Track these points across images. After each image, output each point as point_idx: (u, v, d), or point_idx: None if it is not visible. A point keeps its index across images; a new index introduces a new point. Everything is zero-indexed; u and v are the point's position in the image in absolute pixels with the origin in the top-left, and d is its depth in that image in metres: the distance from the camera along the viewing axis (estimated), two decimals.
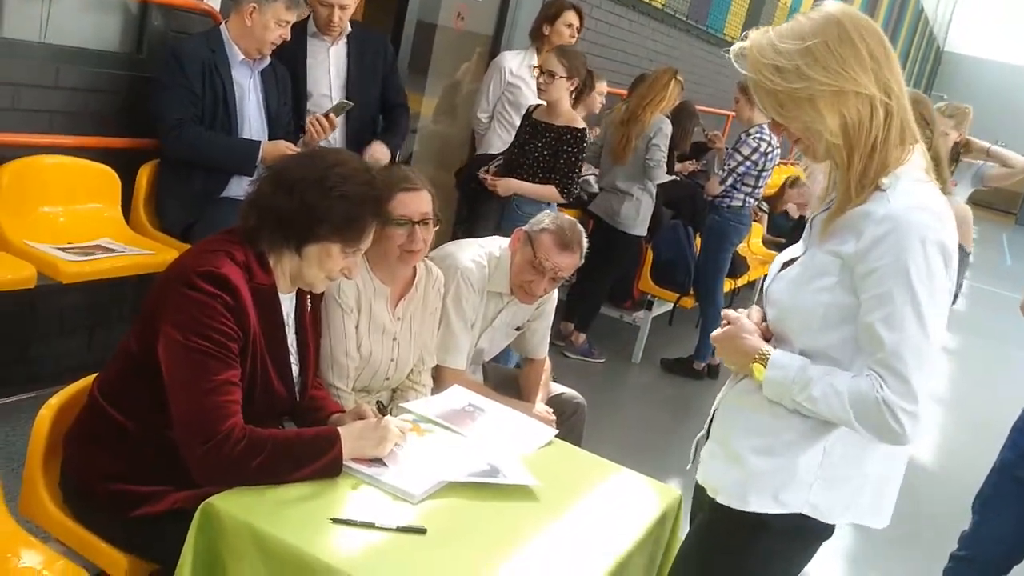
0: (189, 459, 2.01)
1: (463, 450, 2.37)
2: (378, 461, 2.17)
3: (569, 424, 3.32)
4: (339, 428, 2.15)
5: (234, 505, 1.94)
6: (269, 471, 2.02)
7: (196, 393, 2.01)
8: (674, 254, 6.20)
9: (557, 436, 2.70)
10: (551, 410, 3.22)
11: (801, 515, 1.83)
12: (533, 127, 4.69)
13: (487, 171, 4.75)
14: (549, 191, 4.64)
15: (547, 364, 3.45)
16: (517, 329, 3.34)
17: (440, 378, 3.04)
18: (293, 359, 2.31)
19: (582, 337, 5.91)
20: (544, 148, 4.62)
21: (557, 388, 3.44)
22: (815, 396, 1.74)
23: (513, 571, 1.93)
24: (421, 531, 1.97)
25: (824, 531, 1.89)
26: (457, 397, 2.76)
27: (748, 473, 1.85)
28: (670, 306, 6.25)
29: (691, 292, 6.13)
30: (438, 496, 2.13)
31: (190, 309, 2.03)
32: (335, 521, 1.94)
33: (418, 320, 2.89)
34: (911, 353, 1.68)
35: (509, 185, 4.64)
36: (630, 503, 2.36)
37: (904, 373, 1.68)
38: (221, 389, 2.02)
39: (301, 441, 2.10)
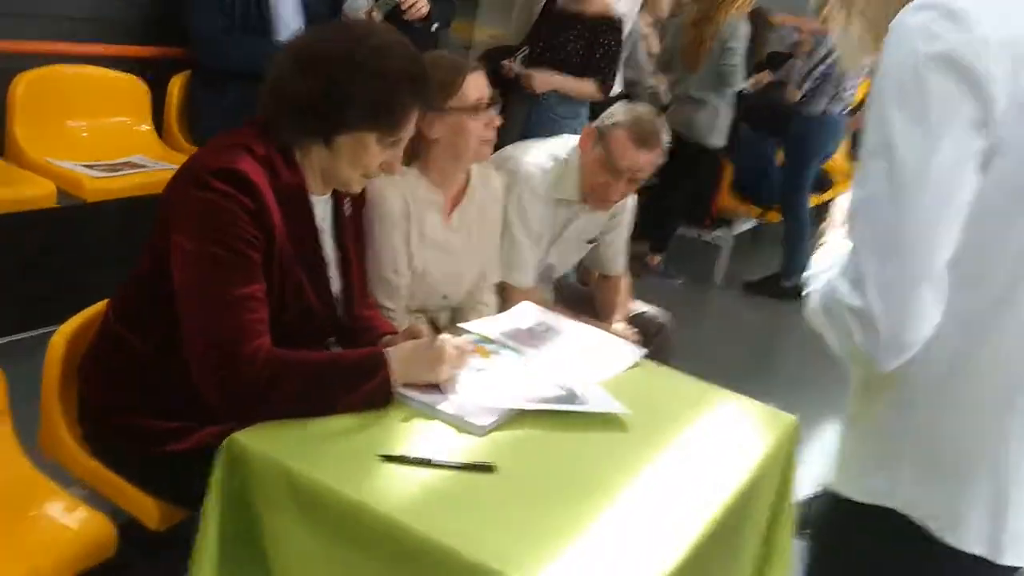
0: (206, 390, 1.69)
1: (535, 374, 2.02)
2: (434, 388, 1.83)
3: (654, 346, 2.95)
4: (387, 350, 1.81)
5: (264, 441, 1.61)
6: (303, 401, 1.69)
7: (212, 309, 1.68)
8: (756, 167, 5.74)
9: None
10: (634, 329, 2.86)
11: None
12: (559, 18, 4.20)
13: (512, 61, 4.13)
14: (589, 88, 4.15)
15: (626, 281, 3.07)
16: (590, 242, 2.95)
17: (506, 297, 2.70)
18: (333, 272, 1.97)
19: (658, 259, 5.52)
20: (577, 40, 4.11)
21: (638, 307, 3.06)
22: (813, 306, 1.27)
23: (604, 517, 1.58)
24: (489, 468, 1.62)
25: None
26: (526, 315, 2.40)
27: None
28: (752, 223, 5.80)
29: (775, 207, 5.65)
30: (507, 427, 1.77)
31: (203, 213, 1.70)
32: (384, 458, 1.60)
33: (476, 231, 2.53)
34: (868, 220, 1.16)
35: (547, 80, 4.10)
36: (742, 430, 1.98)
37: (857, 247, 1.17)
38: (242, 304, 1.68)
39: (341, 364, 1.76)
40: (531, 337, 2.26)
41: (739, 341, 5.00)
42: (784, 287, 5.50)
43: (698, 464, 1.79)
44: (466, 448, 1.68)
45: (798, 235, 5.38)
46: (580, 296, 3.11)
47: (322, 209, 1.94)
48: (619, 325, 2.91)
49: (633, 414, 1.89)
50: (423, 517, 1.47)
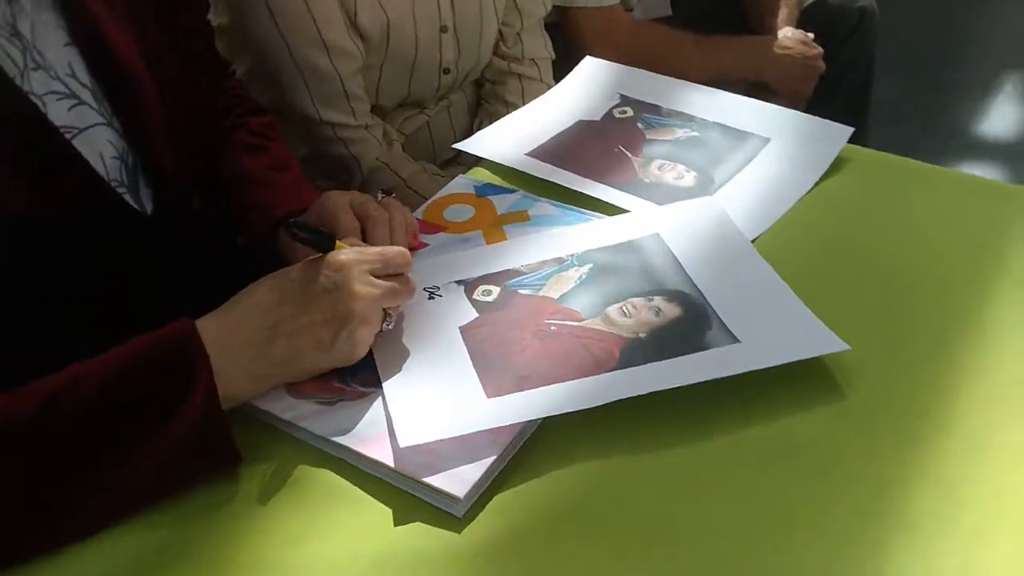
0: None
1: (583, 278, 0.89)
2: (332, 384, 0.75)
3: (851, 46, 1.73)
4: (204, 319, 0.72)
5: None
6: (30, 526, 0.65)
7: None
8: None
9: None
10: (806, 35, 1.64)
11: None
12: None
13: None
14: None
15: None
16: None
17: (576, 33, 1.51)
18: (96, 118, 0.84)
19: None
20: None
21: None
22: None
23: None
24: None
25: None
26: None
27: None
28: None
29: None
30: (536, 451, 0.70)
31: None
32: None
33: None
34: None
35: None
36: None
37: None
38: None
39: (84, 397, 0.67)
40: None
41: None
42: None
43: None
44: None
45: None
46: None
47: None
48: (787, 30, 1.68)
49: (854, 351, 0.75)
50: None
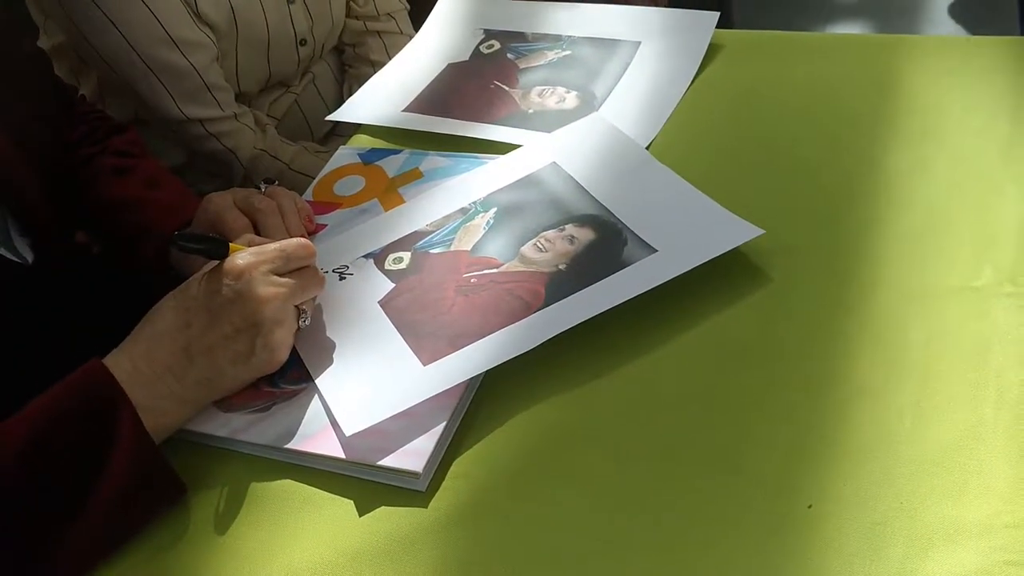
0: None
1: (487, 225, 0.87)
2: (288, 372, 0.73)
3: None
4: (111, 356, 0.69)
5: None
6: None
7: None
8: None
9: None
10: None
11: None
12: None
13: None
14: None
15: None
16: None
17: None
18: None
19: None
20: None
21: None
22: None
23: None
24: None
25: None
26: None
27: None
28: None
29: None
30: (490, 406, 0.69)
31: None
32: None
33: None
34: None
35: None
36: None
37: None
38: None
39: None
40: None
41: None
42: None
43: None
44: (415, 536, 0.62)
45: None
46: None
47: None
48: None
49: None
50: None
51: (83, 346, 0.69)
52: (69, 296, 0.80)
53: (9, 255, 0.75)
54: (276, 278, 0.70)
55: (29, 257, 0.77)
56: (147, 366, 0.68)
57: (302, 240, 0.74)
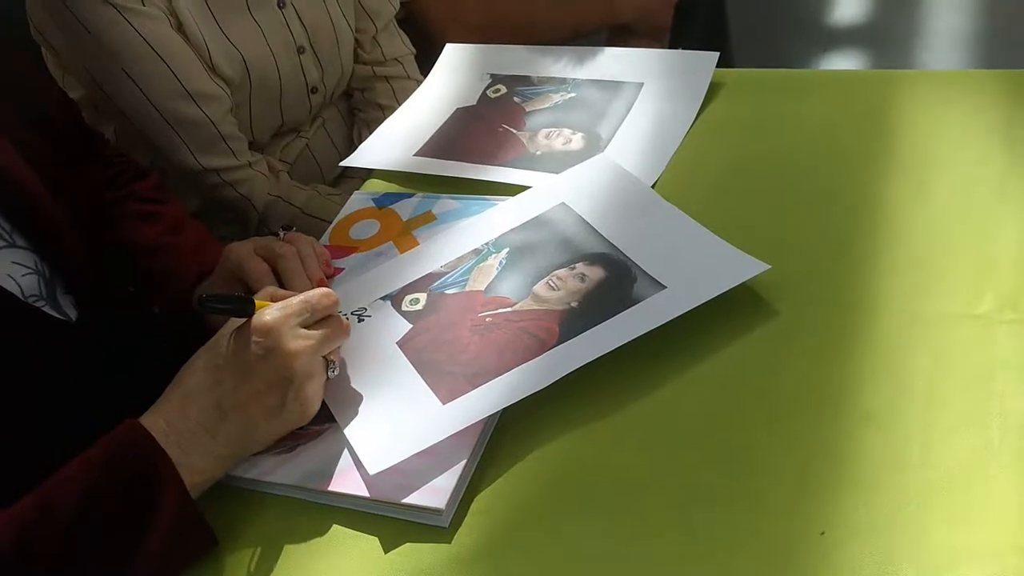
0: None
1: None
2: (290, 440, 0.75)
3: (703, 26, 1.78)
4: (151, 415, 0.71)
5: None
6: None
7: None
8: None
9: None
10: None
11: None
12: None
13: None
14: None
15: None
16: None
17: (426, 23, 1.50)
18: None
19: None
20: None
21: None
22: None
23: None
24: None
25: None
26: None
27: None
28: None
29: None
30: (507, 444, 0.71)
31: None
32: None
33: None
34: None
35: None
36: None
37: None
38: None
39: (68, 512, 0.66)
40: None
41: None
42: None
43: None
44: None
45: None
46: None
47: None
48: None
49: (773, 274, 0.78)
50: None
51: (120, 404, 0.71)
52: (109, 354, 0.82)
53: (54, 313, 0.78)
54: (303, 331, 0.72)
55: (72, 315, 0.80)
56: (181, 423, 0.69)
57: (325, 290, 0.75)
